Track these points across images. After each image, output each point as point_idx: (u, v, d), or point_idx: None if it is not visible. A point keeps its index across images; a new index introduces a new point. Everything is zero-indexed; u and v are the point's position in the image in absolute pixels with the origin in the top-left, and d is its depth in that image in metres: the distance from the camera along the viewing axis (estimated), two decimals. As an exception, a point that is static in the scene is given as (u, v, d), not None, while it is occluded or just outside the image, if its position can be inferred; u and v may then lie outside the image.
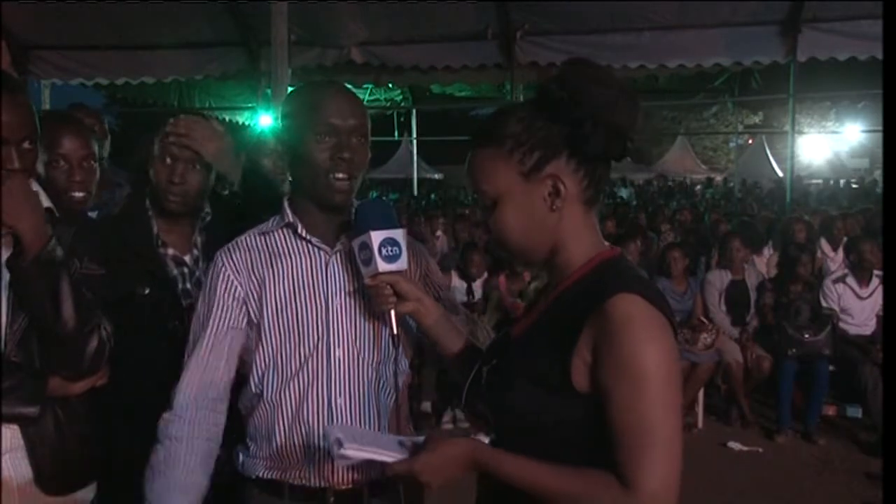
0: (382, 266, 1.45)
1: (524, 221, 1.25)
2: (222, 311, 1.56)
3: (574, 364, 1.16)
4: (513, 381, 1.24)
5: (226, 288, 1.56)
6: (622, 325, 1.11)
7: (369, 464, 1.56)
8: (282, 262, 1.56)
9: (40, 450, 1.63)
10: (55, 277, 1.55)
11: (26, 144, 1.55)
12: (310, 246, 1.58)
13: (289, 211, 1.59)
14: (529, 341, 1.27)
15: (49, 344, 1.60)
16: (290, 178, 1.65)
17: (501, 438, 1.28)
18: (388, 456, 1.27)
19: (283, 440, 1.54)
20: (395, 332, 1.51)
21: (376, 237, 1.44)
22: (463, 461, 1.22)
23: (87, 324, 1.61)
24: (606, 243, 1.29)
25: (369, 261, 1.46)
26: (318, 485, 1.54)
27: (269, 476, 1.56)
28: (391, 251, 1.45)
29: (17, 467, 1.60)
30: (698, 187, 22.45)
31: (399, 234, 1.47)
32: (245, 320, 1.56)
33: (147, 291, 1.94)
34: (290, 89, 6.64)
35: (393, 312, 1.49)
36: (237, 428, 1.63)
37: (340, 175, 1.52)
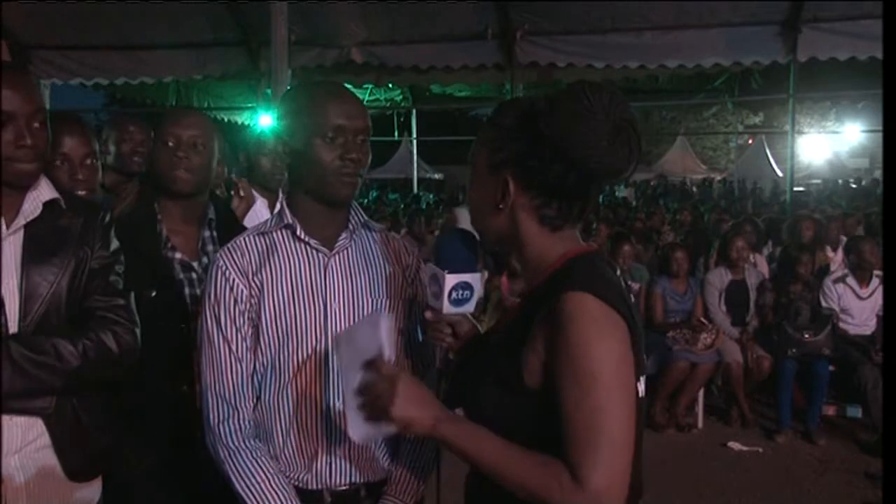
0: (447, 309, 1.42)
1: (481, 205, 1.31)
2: (231, 313, 1.53)
3: (528, 361, 1.17)
4: (478, 378, 1.26)
5: (232, 290, 1.54)
6: (569, 322, 1.12)
7: (368, 466, 1.56)
8: (280, 264, 1.55)
9: (64, 440, 1.63)
10: None
11: (36, 123, 1.56)
12: (308, 248, 1.57)
13: (287, 212, 1.58)
14: (496, 340, 1.30)
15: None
16: (288, 178, 1.64)
17: None
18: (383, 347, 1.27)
19: (281, 443, 1.54)
20: (438, 366, 1.53)
21: (450, 281, 1.40)
22: (429, 418, 1.22)
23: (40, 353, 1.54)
24: (587, 243, 1.30)
25: (437, 296, 1.42)
26: (315, 488, 1.54)
27: None
28: (462, 295, 1.42)
29: (26, 467, 1.60)
30: (695, 188, 22.43)
31: (475, 279, 1.43)
32: (250, 321, 1.55)
33: (153, 294, 1.94)
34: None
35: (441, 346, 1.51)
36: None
37: (348, 175, 1.52)
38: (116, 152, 2.95)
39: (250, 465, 1.49)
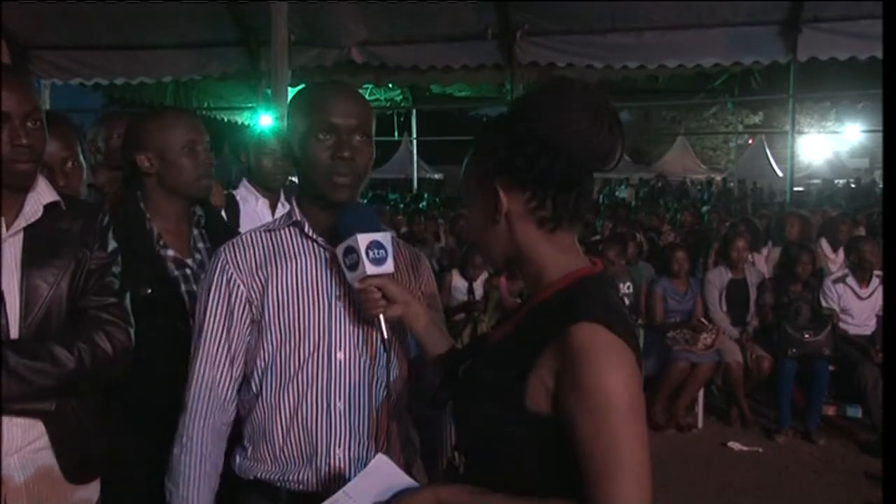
0: (371, 269, 1.43)
1: (478, 224, 1.27)
2: (226, 308, 1.54)
3: (532, 385, 1.14)
4: (475, 392, 1.23)
5: (228, 285, 1.54)
6: (582, 356, 1.09)
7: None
8: (286, 261, 1.55)
9: (63, 441, 1.63)
10: None
11: (32, 123, 1.56)
12: (316, 246, 1.56)
13: (297, 209, 1.58)
14: (497, 353, 1.26)
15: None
16: (296, 178, 1.65)
17: (461, 445, 1.30)
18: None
19: (281, 442, 1.53)
20: (385, 336, 1.48)
21: (363, 240, 1.42)
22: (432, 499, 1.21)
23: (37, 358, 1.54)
24: (591, 259, 1.27)
25: (356, 265, 1.44)
26: (315, 489, 1.53)
27: (265, 478, 1.55)
28: (378, 254, 1.43)
29: (25, 467, 1.60)
30: (698, 187, 22.43)
31: (385, 238, 1.46)
32: (249, 318, 1.55)
33: (149, 292, 1.93)
34: (290, 89, 6.67)
35: (382, 317, 1.46)
36: (235, 428, 1.62)
37: (342, 174, 1.51)
38: (105, 149, 2.94)
39: (195, 469, 1.55)
